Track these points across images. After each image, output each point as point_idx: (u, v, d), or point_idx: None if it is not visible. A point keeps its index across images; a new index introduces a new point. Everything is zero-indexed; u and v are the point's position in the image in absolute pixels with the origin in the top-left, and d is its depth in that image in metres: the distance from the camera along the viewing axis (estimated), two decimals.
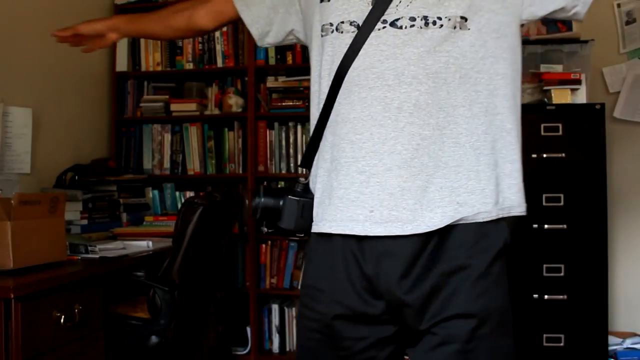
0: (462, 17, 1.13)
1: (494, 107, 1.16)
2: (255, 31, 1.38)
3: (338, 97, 1.18)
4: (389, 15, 1.14)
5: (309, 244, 1.26)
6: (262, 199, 1.25)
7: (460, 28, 1.13)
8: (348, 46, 1.17)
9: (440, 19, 1.13)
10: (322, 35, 1.23)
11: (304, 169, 1.29)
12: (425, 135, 1.11)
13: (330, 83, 1.19)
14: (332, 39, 1.20)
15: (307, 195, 1.25)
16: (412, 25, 1.13)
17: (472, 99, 1.14)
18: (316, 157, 1.24)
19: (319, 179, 1.22)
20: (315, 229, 1.21)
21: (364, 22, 1.16)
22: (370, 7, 1.16)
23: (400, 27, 1.14)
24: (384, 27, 1.15)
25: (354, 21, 1.17)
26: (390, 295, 1.13)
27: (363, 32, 1.16)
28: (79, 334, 1.84)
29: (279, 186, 1.36)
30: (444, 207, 1.11)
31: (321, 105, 1.21)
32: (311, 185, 1.26)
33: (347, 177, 1.15)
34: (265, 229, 1.30)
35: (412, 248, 1.11)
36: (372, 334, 1.16)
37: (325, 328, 1.19)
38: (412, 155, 1.11)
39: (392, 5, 1.14)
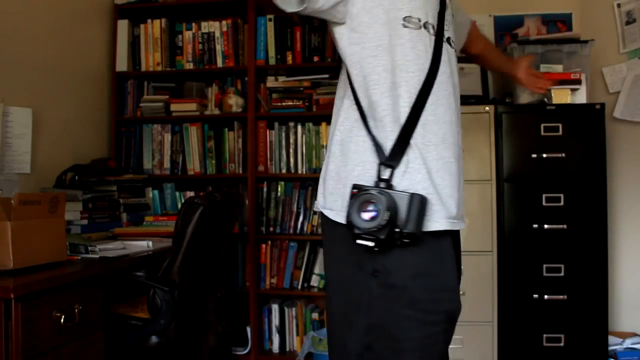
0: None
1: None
2: None
3: (430, 97, 1.25)
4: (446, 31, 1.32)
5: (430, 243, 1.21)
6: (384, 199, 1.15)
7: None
8: (433, 47, 1.27)
9: (453, 42, 1.37)
10: (404, 26, 1.25)
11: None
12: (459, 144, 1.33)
13: (424, 80, 1.24)
14: (422, 35, 1.26)
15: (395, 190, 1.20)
16: (454, 47, 1.35)
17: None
18: (412, 153, 1.23)
19: (419, 176, 1.22)
20: (435, 227, 1.22)
21: (437, 29, 1.29)
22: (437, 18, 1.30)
23: (452, 46, 1.34)
24: (447, 40, 1.31)
25: (433, 24, 1.29)
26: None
27: (439, 39, 1.28)
28: (79, 334, 1.84)
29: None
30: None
31: (412, 100, 1.23)
32: (396, 182, 1.21)
33: (451, 176, 1.25)
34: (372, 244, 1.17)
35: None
36: None
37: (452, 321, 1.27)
38: (459, 162, 1.31)
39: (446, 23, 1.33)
